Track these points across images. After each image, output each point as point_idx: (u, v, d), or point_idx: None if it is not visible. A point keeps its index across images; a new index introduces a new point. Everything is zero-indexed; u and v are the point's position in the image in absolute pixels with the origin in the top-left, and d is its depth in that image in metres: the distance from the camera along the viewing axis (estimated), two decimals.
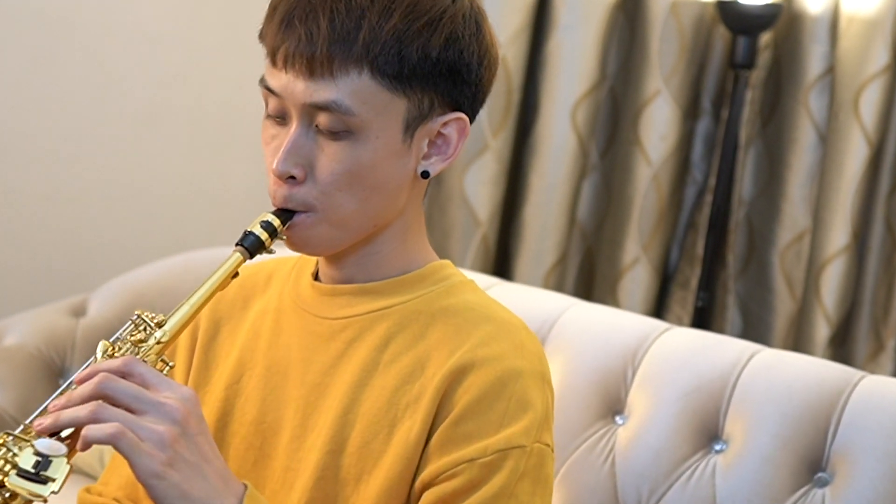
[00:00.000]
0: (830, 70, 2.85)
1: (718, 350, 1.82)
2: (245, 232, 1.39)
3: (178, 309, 1.37)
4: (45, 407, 1.30)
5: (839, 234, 2.85)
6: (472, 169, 2.88)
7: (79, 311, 2.31)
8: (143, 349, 1.34)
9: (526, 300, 1.96)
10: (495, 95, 2.83)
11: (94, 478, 2.16)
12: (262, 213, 1.40)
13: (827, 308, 2.85)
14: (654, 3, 2.88)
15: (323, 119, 1.37)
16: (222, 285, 1.39)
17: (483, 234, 2.91)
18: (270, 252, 1.41)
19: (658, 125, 2.90)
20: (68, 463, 1.24)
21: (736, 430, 1.74)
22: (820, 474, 1.71)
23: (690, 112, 2.96)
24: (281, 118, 1.41)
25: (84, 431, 1.24)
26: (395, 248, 1.46)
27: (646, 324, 1.90)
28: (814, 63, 2.86)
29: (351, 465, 1.40)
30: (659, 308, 3.02)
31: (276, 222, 1.39)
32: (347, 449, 1.40)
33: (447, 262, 1.49)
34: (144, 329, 1.36)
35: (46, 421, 1.26)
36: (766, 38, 2.90)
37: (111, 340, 1.36)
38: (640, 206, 2.92)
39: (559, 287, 2.95)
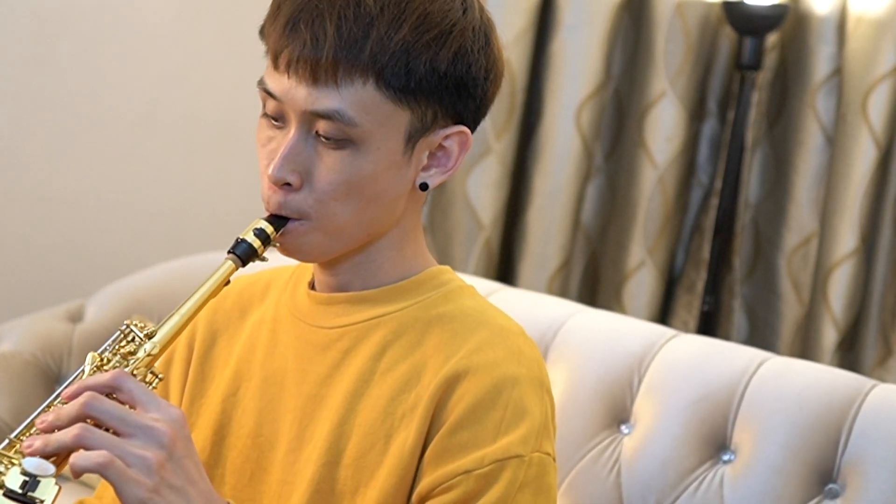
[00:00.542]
0: (838, 71, 2.82)
1: (726, 358, 1.79)
2: (237, 239, 1.36)
3: (168, 319, 1.34)
4: (32, 421, 1.27)
5: (847, 238, 2.82)
6: (474, 172, 2.86)
7: (75, 317, 2.28)
8: (132, 362, 1.31)
9: (529, 306, 1.93)
10: (498, 97, 2.79)
11: (90, 486, 2.13)
12: (255, 220, 1.37)
13: (835, 313, 2.82)
14: (659, 4, 2.86)
15: (323, 127, 1.34)
16: (214, 294, 1.36)
17: (486, 238, 2.89)
18: (263, 259, 1.38)
19: (663, 127, 2.88)
20: (57, 483, 1.21)
21: (744, 439, 1.71)
22: (830, 485, 1.68)
23: (696, 114, 2.94)
24: (279, 121, 1.37)
25: (72, 459, 1.22)
26: (392, 255, 1.43)
27: (652, 331, 1.87)
28: (821, 64, 2.83)
29: (347, 477, 1.37)
30: (664, 312, 2.99)
31: (270, 229, 1.36)
32: (343, 461, 1.37)
33: (445, 267, 1.46)
34: (134, 340, 1.33)
35: (36, 444, 1.23)
36: (772, 38, 2.88)
37: (99, 352, 1.33)
38: (646, 208, 2.90)
39: (563, 291, 2.93)
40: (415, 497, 1.35)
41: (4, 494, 1.21)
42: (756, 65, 2.80)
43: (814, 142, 2.85)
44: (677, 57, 2.86)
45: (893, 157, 2.84)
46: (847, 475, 1.66)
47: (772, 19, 2.78)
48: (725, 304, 2.95)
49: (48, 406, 1.29)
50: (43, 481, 1.21)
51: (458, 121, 1.39)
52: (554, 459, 1.38)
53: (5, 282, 2.71)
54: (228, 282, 1.36)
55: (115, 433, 1.23)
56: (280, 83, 1.35)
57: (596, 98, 2.87)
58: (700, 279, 2.94)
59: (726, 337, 2.94)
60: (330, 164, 1.34)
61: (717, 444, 1.74)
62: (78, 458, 1.21)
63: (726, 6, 2.80)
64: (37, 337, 2.22)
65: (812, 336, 2.87)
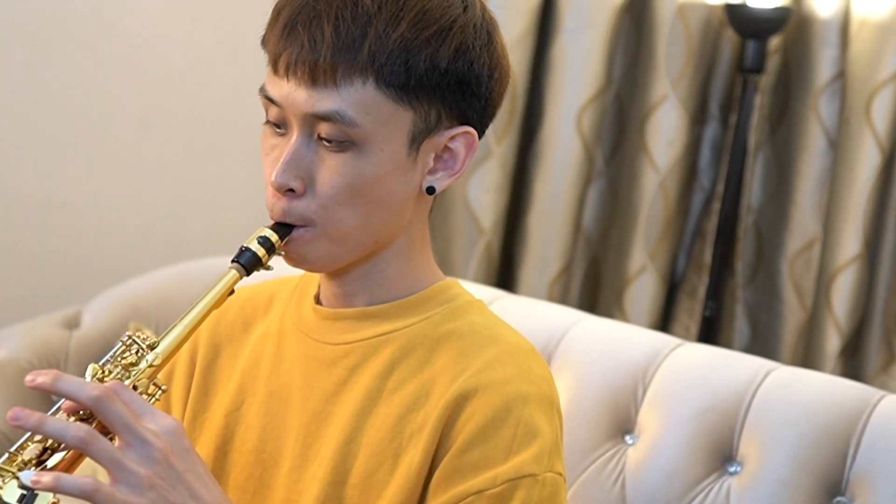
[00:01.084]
0: (841, 75, 2.81)
1: (732, 367, 1.77)
2: (241, 248, 1.34)
3: (170, 330, 1.32)
4: (31, 435, 1.25)
5: (850, 243, 2.80)
6: (475, 176, 2.85)
7: (72, 324, 2.25)
8: (134, 373, 1.29)
9: (532, 314, 1.92)
10: None
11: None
12: (260, 228, 1.35)
13: (838, 318, 2.80)
14: (660, 6, 2.84)
15: (325, 130, 1.32)
16: (217, 304, 1.34)
17: (487, 242, 2.87)
18: (268, 268, 1.36)
19: (665, 131, 2.86)
20: (55, 498, 1.20)
21: (751, 451, 1.69)
22: (839, 498, 1.66)
23: (698, 117, 2.92)
24: (281, 128, 1.36)
25: (59, 483, 1.19)
26: (399, 266, 1.40)
27: (656, 339, 1.85)
28: (824, 67, 2.82)
29: (354, 497, 1.35)
30: (666, 317, 2.98)
31: (274, 237, 1.34)
32: (350, 480, 1.35)
33: (453, 280, 1.44)
34: (136, 351, 1.31)
35: (44, 479, 1.20)
36: (775, 42, 2.86)
37: (101, 363, 1.31)
38: (647, 213, 2.88)
39: (564, 296, 2.91)
40: None
41: None
42: (758, 68, 2.78)
43: (817, 146, 2.84)
44: (679, 60, 2.84)
45: None
46: (856, 488, 1.64)
47: (774, 22, 2.76)
48: (727, 309, 2.93)
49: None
50: (41, 495, 1.20)
51: (464, 121, 1.37)
52: (565, 480, 1.36)
53: (1, 288, 2.69)
54: (232, 291, 1.34)
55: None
56: (280, 88, 1.34)
57: (597, 102, 2.85)
58: (702, 284, 2.92)
59: (728, 342, 2.92)
60: (332, 168, 1.33)
61: (723, 456, 1.72)
62: (64, 481, 1.19)
63: (728, 9, 2.79)
64: (33, 344, 2.20)
65: (815, 341, 2.85)
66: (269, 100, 1.35)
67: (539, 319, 1.90)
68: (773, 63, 2.89)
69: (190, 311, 1.32)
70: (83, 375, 1.30)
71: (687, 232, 2.98)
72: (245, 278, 1.35)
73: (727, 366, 1.77)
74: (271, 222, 1.37)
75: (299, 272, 1.45)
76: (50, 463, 1.23)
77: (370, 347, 1.39)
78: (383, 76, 1.31)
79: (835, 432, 1.66)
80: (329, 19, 1.31)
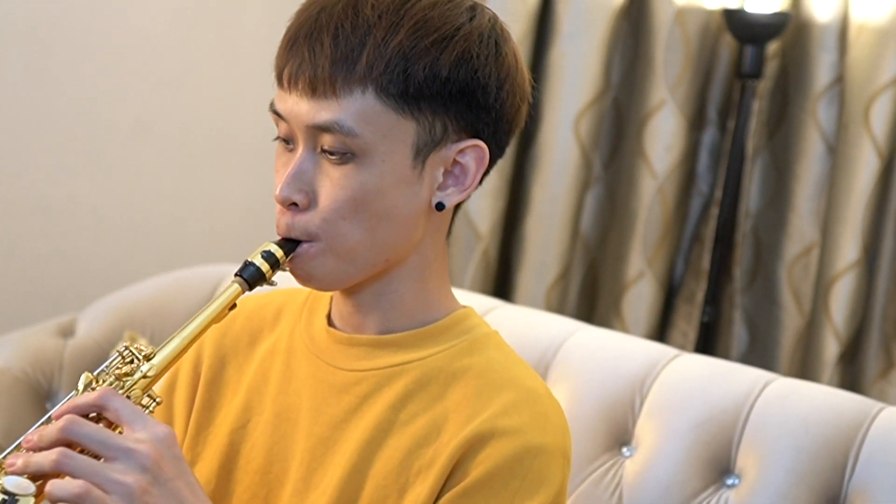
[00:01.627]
0: (840, 80, 2.80)
1: (730, 379, 1.76)
2: (245, 262, 1.33)
3: (168, 342, 1.31)
4: (19, 444, 1.25)
5: (849, 249, 2.79)
6: None
7: (67, 332, 2.24)
8: (127, 384, 1.28)
9: (528, 324, 1.90)
10: None
11: None
12: (265, 243, 1.34)
13: (836, 324, 2.79)
14: (658, 11, 2.83)
15: (327, 142, 1.31)
16: (218, 318, 1.33)
17: (484, 248, 2.86)
18: (272, 284, 1.35)
19: (663, 136, 2.85)
20: (37, 502, 1.20)
21: (749, 464, 1.68)
22: None
23: (696, 123, 2.91)
24: (290, 143, 1.35)
25: (48, 488, 1.19)
26: (413, 287, 1.38)
27: (654, 350, 1.84)
28: (822, 73, 2.81)
29: None
30: (663, 323, 2.97)
31: (279, 253, 1.33)
32: None
33: (470, 309, 1.42)
34: (132, 361, 1.30)
35: (18, 463, 1.21)
36: (773, 47, 2.85)
37: (95, 373, 1.30)
38: (645, 218, 2.87)
39: (562, 301, 2.90)
40: None
41: None
42: (757, 73, 2.77)
43: (815, 151, 2.83)
44: (677, 65, 2.83)
45: None
46: (854, 501, 1.63)
47: (773, 27, 2.75)
48: (725, 315, 2.92)
49: (38, 428, 1.26)
50: (22, 500, 1.20)
51: (474, 135, 1.34)
52: None
53: None
54: (234, 305, 1.33)
55: (98, 457, 1.21)
56: (285, 102, 1.33)
57: (595, 107, 2.84)
58: (700, 289, 2.91)
59: (726, 348, 2.91)
60: (335, 181, 1.32)
61: (720, 468, 1.71)
62: (54, 485, 1.19)
63: (727, 14, 2.78)
64: (27, 353, 2.18)
65: (813, 347, 2.84)
66: (277, 115, 1.35)
67: (536, 329, 1.88)
68: (771, 68, 2.88)
69: (189, 323, 1.31)
70: (77, 384, 1.29)
71: (685, 237, 2.97)
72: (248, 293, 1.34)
73: (725, 377, 1.76)
74: (276, 236, 1.36)
75: None
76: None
77: (384, 377, 1.37)
78: (382, 85, 1.30)
79: (833, 444, 1.65)
80: (329, 31, 1.30)
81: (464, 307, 1.42)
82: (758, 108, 2.84)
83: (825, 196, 2.83)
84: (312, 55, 1.30)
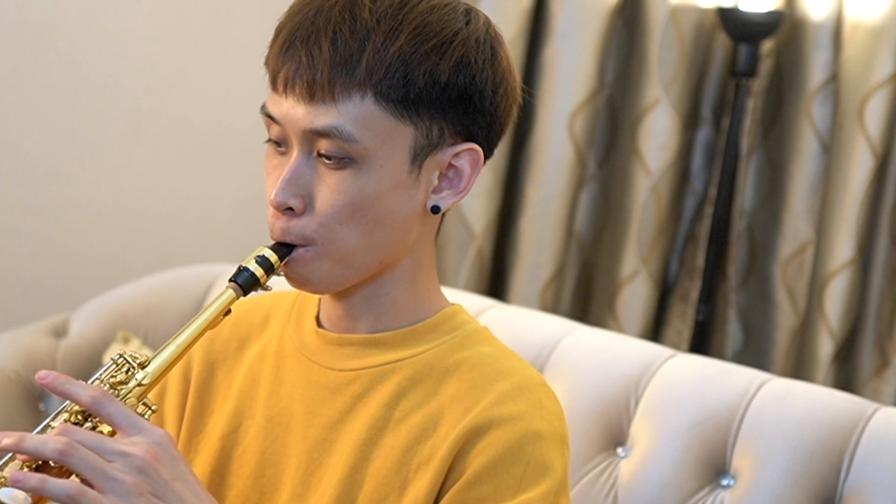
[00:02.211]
0: (834, 78, 2.79)
1: (725, 379, 1.75)
2: (239, 267, 1.32)
3: (163, 349, 1.30)
4: (14, 454, 1.24)
5: (843, 247, 2.79)
6: None
7: (60, 332, 2.23)
8: (122, 392, 1.28)
9: (523, 324, 1.90)
10: None
11: None
12: (259, 248, 1.33)
13: (830, 323, 2.79)
14: (653, 10, 2.82)
15: (324, 146, 1.30)
16: (212, 324, 1.32)
17: (478, 248, 2.86)
18: (266, 289, 1.34)
19: (657, 134, 2.85)
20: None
21: (744, 464, 1.68)
22: None
23: (690, 121, 2.91)
24: (282, 146, 1.34)
25: (44, 486, 1.18)
26: (405, 289, 1.38)
27: (649, 350, 1.83)
28: (817, 71, 2.80)
29: None
30: (658, 322, 2.96)
31: (273, 258, 1.32)
32: None
33: (458, 306, 1.42)
34: (127, 370, 1.29)
35: (31, 482, 1.19)
36: (767, 45, 2.85)
37: (90, 381, 1.29)
38: (639, 217, 2.87)
39: (556, 300, 2.90)
40: None
41: None
42: (751, 72, 2.77)
43: (809, 150, 2.82)
44: (671, 64, 2.83)
45: (890, 166, 2.82)
46: (849, 502, 1.63)
47: (767, 26, 2.75)
48: (720, 314, 2.92)
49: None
50: None
51: (468, 138, 1.35)
52: None
53: None
54: (229, 311, 1.32)
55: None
56: (279, 105, 1.32)
57: (589, 105, 2.84)
58: (694, 288, 2.91)
59: (721, 347, 2.91)
60: (332, 185, 1.31)
61: (716, 469, 1.71)
62: (49, 484, 1.18)
63: (721, 12, 2.77)
64: (20, 353, 2.18)
65: (808, 346, 2.84)
66: (270, 118, 1.34)
67: (530, 330, 1.88)
68: (765, 67, 2.87)
69: (184, 330, 1.31)
70: None
71: (679, 236, 2.97)
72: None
73: (720, 377, 1.76)
74: (270, 240, 1.35)
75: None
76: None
77: (376, 376, 1.37)
78: (382, 91, 1.29)
79: (829, 445, 1.65)
80: (327, 35, 1.29)
81: (452, 304, 1.42)
82: (752, 106, 2.84)
83: (820, 195, 2.83)
84: (310, 59, 1.29)
